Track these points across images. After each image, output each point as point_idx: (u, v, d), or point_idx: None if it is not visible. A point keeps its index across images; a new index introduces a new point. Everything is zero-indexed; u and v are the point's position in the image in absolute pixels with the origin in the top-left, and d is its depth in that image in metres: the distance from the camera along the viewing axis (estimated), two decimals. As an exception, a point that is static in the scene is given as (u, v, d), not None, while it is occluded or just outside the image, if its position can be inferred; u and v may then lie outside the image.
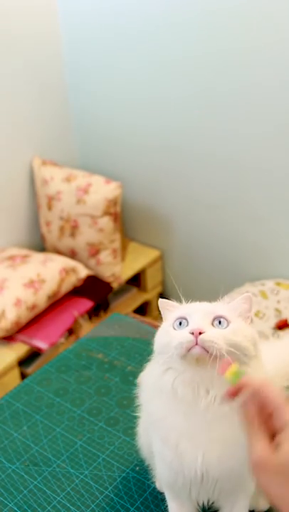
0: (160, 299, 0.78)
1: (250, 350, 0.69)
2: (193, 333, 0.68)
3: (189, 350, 0.67)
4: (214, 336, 0.67)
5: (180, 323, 0.71)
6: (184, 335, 0.68)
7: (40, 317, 2.09)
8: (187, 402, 0.70)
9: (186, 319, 0.71)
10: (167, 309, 0.77)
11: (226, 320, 0.70)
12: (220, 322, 0.70)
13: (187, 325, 0.70)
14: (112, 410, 1.09)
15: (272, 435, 0.60)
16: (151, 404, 0.75)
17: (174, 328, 0.71)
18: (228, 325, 0.70)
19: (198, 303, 0.75)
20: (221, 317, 0.70)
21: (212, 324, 0.70)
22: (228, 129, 2.04)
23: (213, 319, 0.70)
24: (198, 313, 0.71)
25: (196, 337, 0.67)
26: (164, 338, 0.72)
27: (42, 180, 2.31)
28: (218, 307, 0.73)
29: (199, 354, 0.67)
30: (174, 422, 0.72)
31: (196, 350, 0.67)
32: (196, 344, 0.67)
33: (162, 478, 0.81)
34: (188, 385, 0.70)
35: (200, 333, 0.67)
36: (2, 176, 2.27)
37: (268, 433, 0.60)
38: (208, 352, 0.67)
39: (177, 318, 0.72)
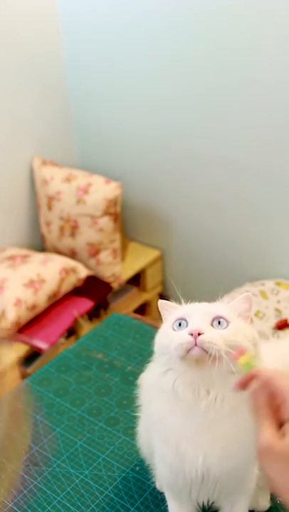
0: (159, 300, 0.78)
1: (250, 350, 0.69)
2: (192, 334, 0.68)
3: (189, 351, 0.67)
4: (213, 337, 0.67)
5: (179, 324, 0.71)
6: (183, 336, 0.68)
7: (40, 317, 2.09)
8: (188, 402, 0.70)
9: (185, 320, 0.71)
10: (167, 310, 0.77)
11: (226, 320, 0.70)
12: (219, 322, 0.70)
13: (186, 326, 0.70)
14: (112, 410, 1.09)
15: (281, 425, 0.61)
16: (152, 404, 0.75)
17: (174, 329, 0.71)
18: (227, 325, 0.70)
19: (197, 303, 0.75)
20: (220, 317, 0.70)
21: (211, 325, 0.70)
22: (228, 129, 2.04)
23: (213, 320, 0.70)
24: (197, 314, 0.71)
25: (195, 338, 0.67)
26: (164, 339, 0.72)
27: (42, 180, 2.31)
28: (218, 307, 0.73)
29: (199, 355, 0.67)
30: (175, 423, 0.72)
31: (196, 351, 0.67)
32: (196, 345, 0.67)
33: (163, 479, 0.81)
34: (188, 386, 0.70)
35: (199, 334, 0.67)
36: (2, 176, 2.27)
37: (277, 423, 0.61)
38: (207, 353, 0.67)
39: (177, 319, 0.72)
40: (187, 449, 0.71)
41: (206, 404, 0.69)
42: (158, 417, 0.74)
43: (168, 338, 0.71)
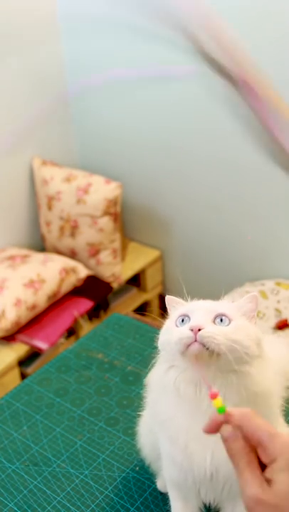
0: (167, 296, 0.78)
1: (253, 349, 0.69)
2: (192, 330, 0.68)
3: (188, 346, 0.67)
4: (213, 332, 0.67)
5: (182, 321, 0.72)
6: (183, 331, 0.69)
7: (40, 317, 2.09)
8: (190, 400, 0.70)
9: (188, 316, 0.71)
10: (173, 306, 0.77)
11: (228, 318, 0.70)
12: (221, 320, 0.70)
13: (189, 322, 0.71)
14: (112, 410, 1.09)
15: (262, 468, 0.56)
16: (159, 404, 0.76)
17: (177, 326, 0.72)
18: (229, 323, 0.70)
19: (202, 301, 0.76)
20: (222, 315, 0.70)
21: (214, 322, 0.70)
22: (227, 129, 2.03)
23: (215, 317, 0.70)
24: (200, 310, 0.71)
25: (195, 333, 0.67)
26: (166, 334, 0.73)
27: (42, 180, 2.31)
28: (222, 305, 0.73)
29: (198, 350, 0.67)
30: (182, 423, 0.72)
31: (195, 346, 0.67)
32: (195, 341, 0.67)
33: (170, 479, 0.81)
34: (189, 383, 0.70)
35: (200, 330, 0.67)
36: (2, 176, 2.27)
37: (258, 468, 0.56)
38: (208, 349, 0.67)
39: (180, 316, 0.72)
40: (195, 449, 0.71)
41: (207, 403, 0.69)
42: (165, 417, 0.74)
43: (169, 334, 0.71)
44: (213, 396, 0.59)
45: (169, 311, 0.77)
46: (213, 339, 0.66)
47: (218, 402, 0.59)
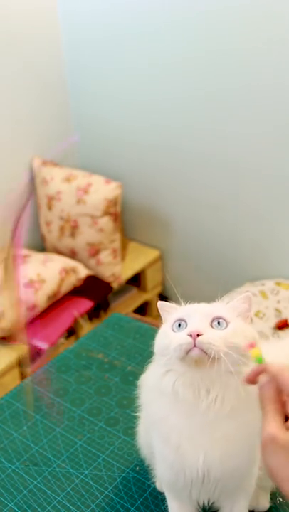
0: (159, 302, 0.78)
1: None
2: (191, 335, 0.68)
3: (188, 352, 0.67)
4: (213, 338, 0.67)
5: (179, 325, 0.71)
6: (182, 337, 0.68)
7: (40, 317, 2.09)
8: (188, 403, 0.70)
9: (184, 321, 0.71)
10: (166, 311, 0.76)
11: (225, 321, 0.70)
12: (219, 323, 0.70)
13: (186, 327, 0.70)
14: (112, 410, 1.09)
15: (288, 420, 0.62)
16: (152, 405, 0.75)
17: (173, 330, 0.71)
18: (227, 325, 0.70)
19: (196, 304, 0.75)
20: (219, 318, 0.70)
21: (211, 325, 0.70)
22: (228, 129, 2.04)
23: (212, 320, 0.70)
24: (196, 314, 0.71)
25: (195, 339, 0.67)
26: (164, 340, 0.72)
27: (42, 180, 2.31)
28: (217, 308, 0.73)
29: (198, 356, 0.67)
30: (175, 423, 0.72)
31: (195, 352, 0.67)
32: (195, 346, 0.67)
33: (163, 479, 0.81)
34: (188, 387, 0.70)
35: (198, 335, 0.67)
36: (2, 176, 2.27)
37: (284, 417, 0.62)
38: (206, 354, 0.67)
39: (176, 320, 0.72)
40: (188, 449, 0.71)
41: (206, 405, 0.69)
42: (158, 417, 0.74)
43: (167, 339, 0.71)
44: (252, 345, 0.66)
45: (162, 316, 0.77)
46: (212, 345, 0.67)
47: (256, 351, 0.66)
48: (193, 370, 0.69)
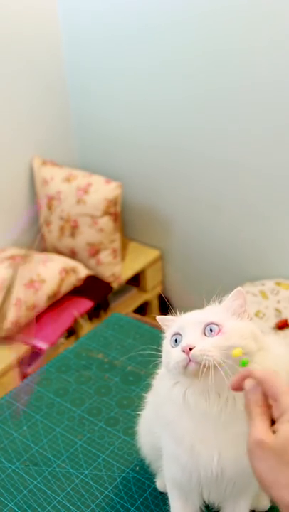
0: (158, 317, 0.79)
1: (250, 346, 0.69)
2: (184, 351, 0.68)
3: (186, 367, 0.68)
4: (205, 348, 0.68)
5: (176, 341, 0.72)
6: (177, 354, 0.70)
7: (40, 317, 2.09)
8: (201, 410, 0.71)
9: (180, 334, 0.72)
10: (166, 325, 0.78)
11: (217, 325, 0.70)
12: (211, 329, 0.70)
13: (181, 340, 0.71)
14: (112, 410, 1.09)
15: (274, 424, 0.61)
16: (164, 407, 0.76)
17: (172, 346, 0.72)
18: (220, 330, 0.70)
19: (189, 313, 0.76)
20: (211, 324, 0.70)
21: (204, 333, 0.70)
22: (228, 129, 2.03)
23: (204, 328, 0.70)
24: (189, 325, 0.72)
25: (188, 354, 0.68)
26: (165, 358, 0.74)
27: (42, 180, 2.31)
28: (209, 313, 0.73)
29: (195, 369, 0.68)
30: (188, 425, 0.72)
31: (192, 366, 0.68)
32: (190, 360, 0.68)
33: (172, 479, 0.81)
34: (199, 395, 0.71)
35: (191, 349, 0.68)
36: (2, 176, 2.27)
37: (270, 421, 0.61)
38: (204, 365, 0.67)
39: (172, 336, 0.73)
40: (202, 449, 0.72)
41: (218, 408, 0.70)
42: (171, 420, 0.74)
43: (168, 357, 0.73)
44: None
45: (164, 330, 0.78)
46: (206, 356, 0.67)
47: (237, 352, 0.66)
48: (198, 379, 0.69)
